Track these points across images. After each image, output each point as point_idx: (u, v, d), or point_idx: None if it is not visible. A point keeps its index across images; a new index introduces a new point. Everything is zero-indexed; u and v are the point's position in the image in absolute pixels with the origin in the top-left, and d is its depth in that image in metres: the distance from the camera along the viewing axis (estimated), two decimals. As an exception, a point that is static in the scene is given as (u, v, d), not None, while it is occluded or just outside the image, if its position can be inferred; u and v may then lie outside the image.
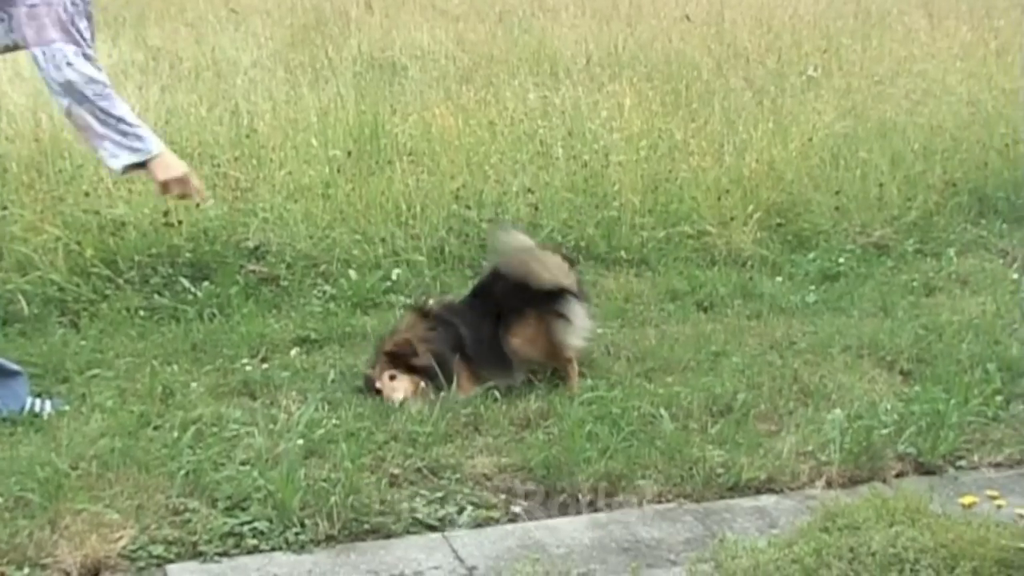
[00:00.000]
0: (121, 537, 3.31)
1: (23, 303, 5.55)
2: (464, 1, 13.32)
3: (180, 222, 6.19)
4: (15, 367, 4.29)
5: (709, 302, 6.31)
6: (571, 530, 3.62)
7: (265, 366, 4.97)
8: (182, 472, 3.66)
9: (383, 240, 6.50)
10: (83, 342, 5.20)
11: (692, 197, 7.44)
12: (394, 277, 6.26)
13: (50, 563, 3.21)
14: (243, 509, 3.51)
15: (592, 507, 3.80)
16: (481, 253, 6.73)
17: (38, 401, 4.26)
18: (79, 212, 6.08)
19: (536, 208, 6.98)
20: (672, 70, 9.87)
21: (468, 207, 6.84)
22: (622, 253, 6.94)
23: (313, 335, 5.47)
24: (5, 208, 6.14)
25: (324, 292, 6.12)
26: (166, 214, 6.21)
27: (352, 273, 6.19)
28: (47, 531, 3.31)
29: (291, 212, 6.52)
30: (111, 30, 10.91)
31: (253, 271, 6.13)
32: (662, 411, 4.37)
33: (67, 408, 4.20)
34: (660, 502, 3.83)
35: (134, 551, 3.29)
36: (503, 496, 3.80)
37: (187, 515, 3.48)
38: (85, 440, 3.93)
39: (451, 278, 6.44)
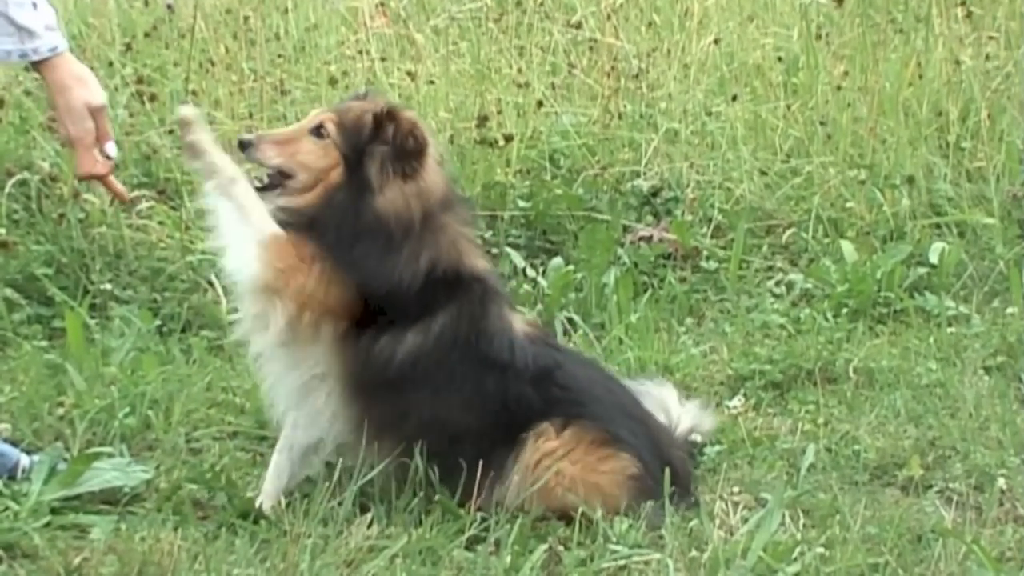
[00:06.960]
0: None
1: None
2: None
3: (508, 138, 4.06)
4: None
5: None
6: None
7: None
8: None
9: (910, 181, 4.26)
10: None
11: None
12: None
13: None
14: None
15: None
16: None
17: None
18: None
19: None
20: None
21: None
22: None
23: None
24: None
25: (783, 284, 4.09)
26: (483, 122, 4.07)
27: (845, 247, 3.92)
28: None
29: (721, 122, 4.42)
30: None
31: (646, 238, 4.04)
32: None
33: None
34: None
35: None
36: None
37: None
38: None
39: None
